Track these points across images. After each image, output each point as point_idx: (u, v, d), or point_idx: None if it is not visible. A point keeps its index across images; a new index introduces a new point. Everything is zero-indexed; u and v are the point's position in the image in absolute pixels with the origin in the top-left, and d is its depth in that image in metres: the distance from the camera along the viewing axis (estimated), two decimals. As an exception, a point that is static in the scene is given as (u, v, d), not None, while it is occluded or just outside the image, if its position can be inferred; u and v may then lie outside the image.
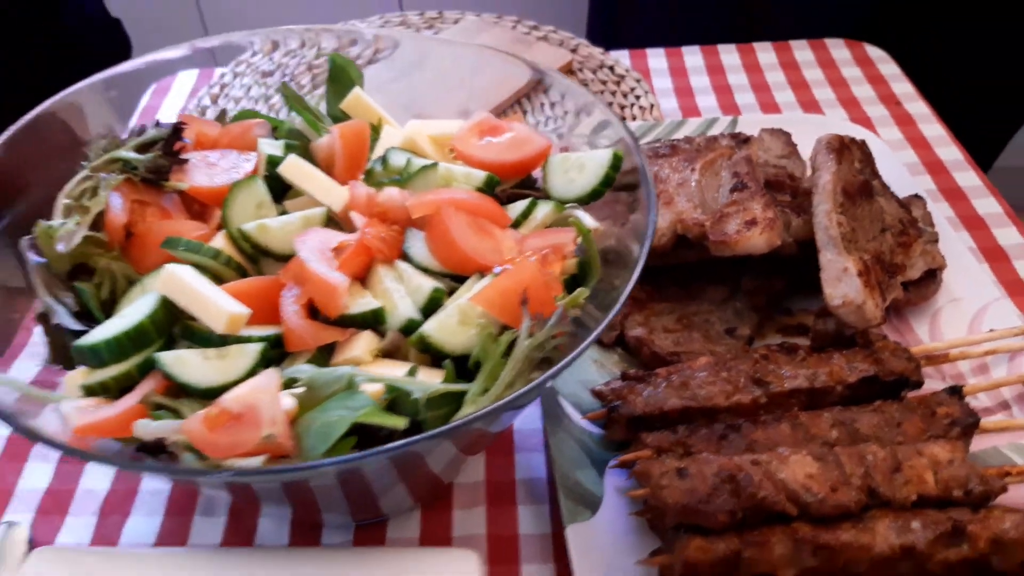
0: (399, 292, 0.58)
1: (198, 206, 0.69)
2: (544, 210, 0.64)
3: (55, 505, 0.72)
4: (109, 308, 0.61)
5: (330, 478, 0.51)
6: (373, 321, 0.57)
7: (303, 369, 0.52)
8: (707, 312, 0.79)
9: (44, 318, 0.59)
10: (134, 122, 0.75)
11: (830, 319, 0.72)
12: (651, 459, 0.62)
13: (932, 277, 0.80)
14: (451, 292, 0.60)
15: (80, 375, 0.56)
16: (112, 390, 0.55)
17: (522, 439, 0.75)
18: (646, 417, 0.66)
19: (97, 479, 0.74)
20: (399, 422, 0.48)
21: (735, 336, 0.76)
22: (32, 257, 0.61)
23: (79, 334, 0.58)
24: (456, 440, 0.52)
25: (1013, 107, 1.36)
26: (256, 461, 0.47)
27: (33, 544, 0.69)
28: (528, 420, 0.76)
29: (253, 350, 0.55)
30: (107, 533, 0.70)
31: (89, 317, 0.60)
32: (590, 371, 0.77)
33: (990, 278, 0.82)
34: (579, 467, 0.69)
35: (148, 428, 0.50)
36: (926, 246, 0.80)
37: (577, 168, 0.66)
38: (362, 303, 0.57)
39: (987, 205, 0.94)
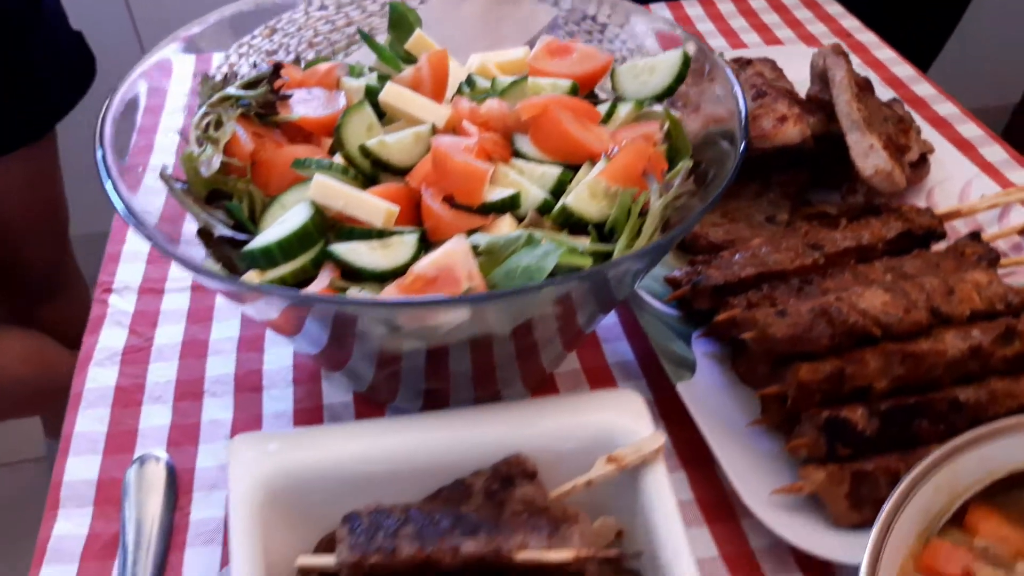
0: (525, 182, 0.66)
1: (300, 138, 0.74)
2: (626, 108, 0.73)
3: (185, 437, 0.75)
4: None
5: (526, 318, 0.58)
6: (511, 205, 0.64)
7: (480, 237, 0.58)
8: (746, 207, 0.89)
9: (205, 232, 0.63)
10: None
11: (858, 193, 0.84)
12: (745, 312, 0.71)
13: (924, 160, 0.93)
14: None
15: (255, 275, 0.61)
16: (288, 284, 0.61)
17: (604, 331, 0.84)
18: (727, 285, 0.76)
19: (218, 410, 0.78)
20: (587, 261, 0.56)
21: (775, 222, 0.87)
22: (175, 183, 0.66)
23: (238, 245, 0.63)
24: (617, 281, 0.59)
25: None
26: (462, 313, 0.54)
27: (174, 470, 0.73)
28: (606, 317, 0.85)
29: (412, 238, 0.62)
30: (242, 454, 0.74)
31: (241, 230, 0.65)
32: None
33: (967, 161, 0.96)
34: (669, 340, 0.78)
35: (357, 297, 0.56)
36: (916, 135, 0.93)
37: (648, 71, 0.74)
38: (498, 192, 0.64)
39: (946, 108, 1.09)
